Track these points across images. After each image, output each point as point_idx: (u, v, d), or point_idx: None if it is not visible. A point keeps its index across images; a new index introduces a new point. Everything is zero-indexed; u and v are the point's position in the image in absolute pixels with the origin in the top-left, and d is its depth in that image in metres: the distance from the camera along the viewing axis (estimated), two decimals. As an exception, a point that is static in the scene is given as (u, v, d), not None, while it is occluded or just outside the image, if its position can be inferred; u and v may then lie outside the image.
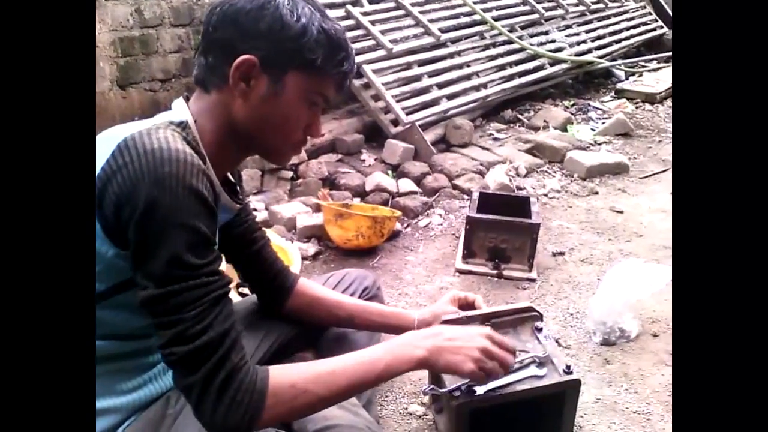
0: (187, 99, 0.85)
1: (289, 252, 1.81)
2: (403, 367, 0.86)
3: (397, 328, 1.19)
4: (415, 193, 2.53)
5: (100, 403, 0.83)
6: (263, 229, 1.13)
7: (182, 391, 0.75)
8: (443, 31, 3.44)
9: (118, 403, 0.84)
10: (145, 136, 0.71)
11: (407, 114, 2.89)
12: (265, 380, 0.75)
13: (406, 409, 1.37)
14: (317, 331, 1.25)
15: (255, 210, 2.33)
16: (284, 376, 0.78)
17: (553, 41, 4.01)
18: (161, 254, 0.70)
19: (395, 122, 2.93)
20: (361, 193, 2.51)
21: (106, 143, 0.72)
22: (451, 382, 1.06)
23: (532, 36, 3.96)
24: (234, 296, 1.55)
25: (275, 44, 0.78)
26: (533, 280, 1.93)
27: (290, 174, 2.59)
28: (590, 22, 4.50)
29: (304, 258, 2.01)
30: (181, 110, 0.82)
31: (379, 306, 1.23)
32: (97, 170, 0.71)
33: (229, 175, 0.96)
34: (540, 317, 1.22)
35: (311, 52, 0.79)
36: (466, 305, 1.21)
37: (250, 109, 0.81)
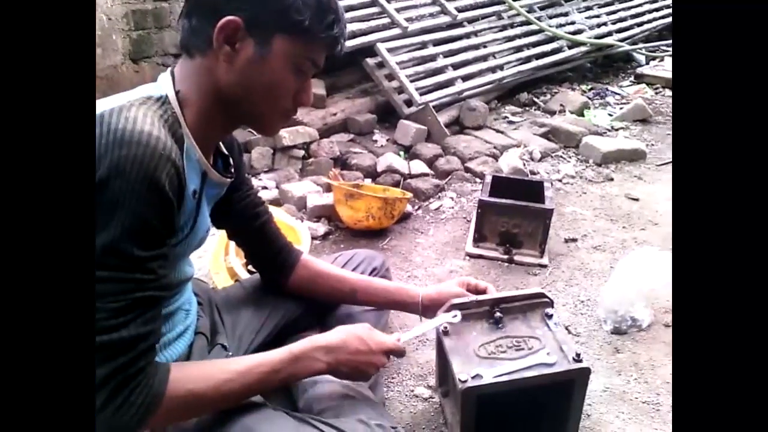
0: (173, 73, 0.82)
1: (299, 231, 1.79)
2: (301, 377, 0.91)
3: (400, 304, 1.17)
4: (426, 175, 2.50)
5: None
6: (267, 204, 1.11)
7: None
8: (460, 10, 3.36)
9: None
10: (116, 115, 0.68)
11: (421, 94, 2.85)
12: (163, 384, 0.74)
13: (413, 391, 1.37)
14: (324, 309, 1.25)
15: (265, 188, 2.32)
16: (183, 380, 0.76)
17: (573, 23, 3.91)
18: (99, 237, 0.66)
19: (409, 103, 2.89)
20: (372, 174, 2.49)
21: None
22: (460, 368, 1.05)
23: (551, 17, 3.87)
24: (242, 273, 1.54)
25: (260, 5, 0.75)
26: (544, 266, 1.90)
27: (301, 153, 2.57)
28: (611, 3, 4.38)
29: (313, 238, 2.00)
30: (164, 84, 0.79)
31: (383, 281, 1.22)
32: None
33: (222, 147, 0.94)
34: (551, 304, 1.21)
35: (298, 14, 0.76)
36: (475, 291, 1.19)
37: (236, 74, 0.78)
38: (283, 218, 1.82)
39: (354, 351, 0.92)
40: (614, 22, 4.17)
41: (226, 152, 0.95)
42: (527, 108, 3.42)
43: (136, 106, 0.71)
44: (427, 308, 1.16)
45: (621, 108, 3.45)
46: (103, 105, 0.71)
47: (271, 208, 1.90)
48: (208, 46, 0.77)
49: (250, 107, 0.82)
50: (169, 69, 0.83)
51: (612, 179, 2.60)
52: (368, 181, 2.40)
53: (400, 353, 1.01)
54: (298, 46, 0.79)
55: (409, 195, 2.19)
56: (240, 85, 0.79)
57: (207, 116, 0.81)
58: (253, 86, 0.79)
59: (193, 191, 0.81)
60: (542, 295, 1.21)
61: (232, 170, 0.96)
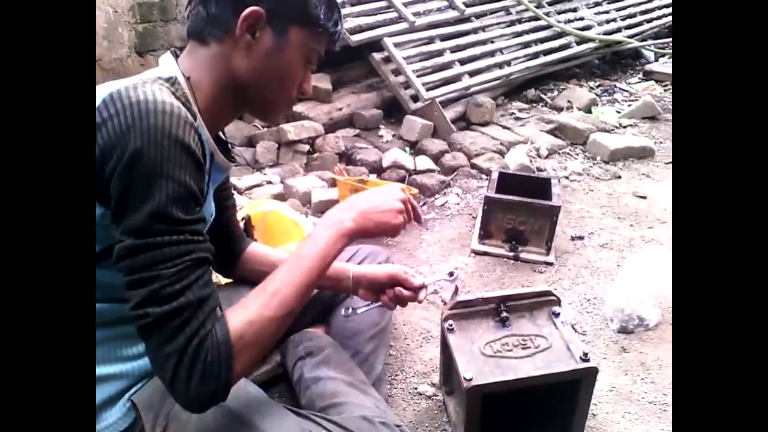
0: (175, 55, 0.83)
1: (303, 226, 1.78)
2: (338, 247, 0.83)
3: (336, 279, 1.11)
4: (432, 171, 2.49)
5: (105, 369, 0.82)
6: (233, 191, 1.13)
7: (156, 360, 0.69)
8: (468, 5, 3.34)
9: (123, 369, 0.83)
10: (131, 90, 0.69)
11: (428, 90, 2.83)
12: (225, 330, 0.71)
13: (416, 389, 1.36)
14: (327, 306, 1.24)
15: (270, 183, 2.31)
16: (239, 316, 0.74)
17: (582, 19, 3.87)
18: (143, 207, 0.67)
19: (415, 98, 2.87)
20: (377, 170, 2.47)
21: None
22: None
23: (559, 13, 3.83)
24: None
25: None
26: (550, 264, 1.89)
27: (307, 147, 2.56)
28: (621, -1, 4.35)
29: (318, 233, 1.99)
30: (169, 66, 0.81)
31: None
32: None
33: (220, 133, 0.95)
34: (558, 302, 1.19)
35: (315, 8, 0.81)
36: (404, 284, 1.10)
37: (253, 62, 0.81)
38: (287, 213, 1.81)
39: (371, 197, 0.89)
40: (623, 18, 4.13)
41: (224, 138, 0.95)
42: (534, 104, 3.40)
43: (150, 83, 0.72)
44: (365, 286, 1.11)
45: (629, 105, 3.42)
46: (111, 86, 0.71)
47: (276, 203, 1.90)
48: (226, 34, 0.79)
49: (261, 94, 0.85)
50: (169, 51, 0.83)
51: (620, 177, 2.58)
52: (373, 177, 2.38)
53: (412, 202, 0.95)
54: (310, 37, 0.83)
55: (415, 191, 2.17)
56: (255, 73, 0.81)
57: (217, 102, 0.82)
58: (267, 74, 0.82)
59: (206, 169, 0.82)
60: (549, 293, 1.19)
61: (233, 157, 0.95)
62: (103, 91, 0.70)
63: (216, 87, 0.81)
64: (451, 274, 1.13)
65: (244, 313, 0.74)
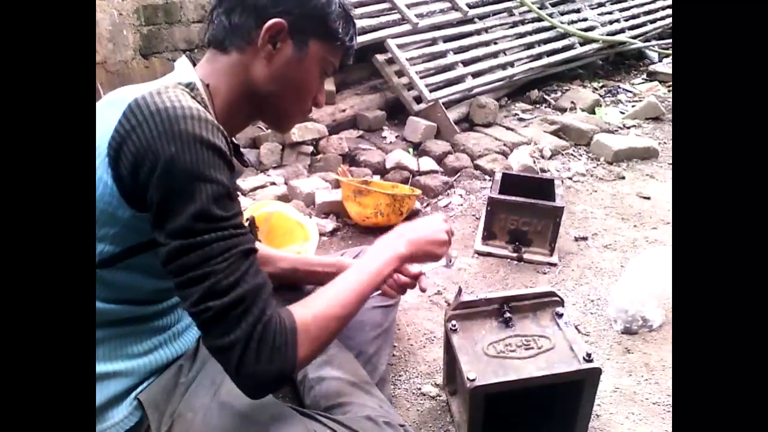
0: (191, 60, 0.85)
1: (307, 227, 1.79)
2: (391, 268, 0.91)
3: (338, 271, 1.14)
4: (436, 172, 2.49)
5: (111, 366, 0.83)
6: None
7: (219, 350, 0.71)
8: (471, 6, 3.34)
9: (130, 366, 0.84)
10: (155, 96, 0.70)
11: (431, 91, 2.83)
12: (291, 318, 0.75)
13: (420, 389, 1.36)
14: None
15: (274, 184, 2.32)
16: (304, 309, 0.78)
17: (585, 20, 3.87)
18: (186, 210, 0.69)
19: (418, 99, 2.87)
20: (381, 171, 2.48)
21: (114, 105, 0.71)
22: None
23: (562, 14, 3.83)
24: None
25: (305, 11, 0.82)
26: (554, 265, 1.89)
27: (310, 149, 2.56)
28: (624, 0, 4.34)
29: (321, 234, 2.00)
30: (186, 71, 0.82)
31: (320, 257, 1.25)
32: (109, 133, 0.69)
33: (233, 138, 0.96)
34: (561, 303, 1.19)
35: (334, 23, 0.84)
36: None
37: (272, 72, 0.83)
38: (291, 214, 1.81)
39: (420, 228, 0.96)
40: (627, 19, 4.12)
41: (236, 143, 0.96)
42: (538, 105, 3.40)
43: (172, 88, 0.73)
44: None
45: (633, 106, 3.42)
46: (132, 92, 0.72)
47: (280, 204, 1.90)
48: (248, 44, 0.81)
49: (277, 103, 0.87)
50: (184, 56, 0.85)
51: (623, 177, 2.57)
52: (377, 178, 2.39)
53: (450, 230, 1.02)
54: (328, 50, 0.86)
55: (418, 192, 2.18)
56: (275, 82, 0.84)
57: (234, 108, 0.85)
58: (287, 84, 0.85)
59: None
60: (553, 294, 1.19)
61: (246, 161, 0.96)
62: (122, 96, 0.71)
63: (233, 94, 0.84)
64: (449, 260, 1.12)
65: (310, 308, 0.78)
